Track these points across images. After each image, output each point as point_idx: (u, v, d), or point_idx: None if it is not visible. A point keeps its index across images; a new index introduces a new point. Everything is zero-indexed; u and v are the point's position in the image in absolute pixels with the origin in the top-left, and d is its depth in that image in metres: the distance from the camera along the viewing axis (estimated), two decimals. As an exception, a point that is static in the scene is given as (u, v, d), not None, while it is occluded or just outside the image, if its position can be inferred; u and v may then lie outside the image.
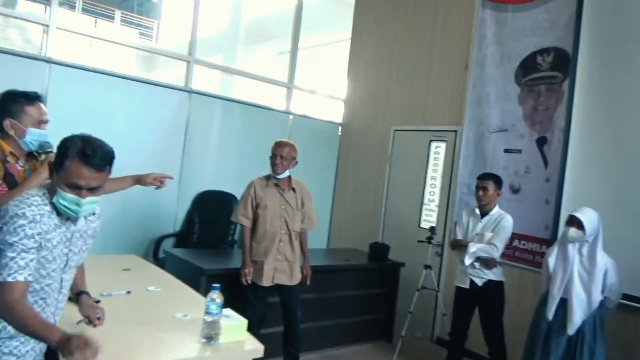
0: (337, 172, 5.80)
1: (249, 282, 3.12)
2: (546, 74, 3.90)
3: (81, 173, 1.44)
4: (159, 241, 4.35)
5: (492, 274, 3.33)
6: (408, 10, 5.15)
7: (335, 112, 5.99)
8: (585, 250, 2.81)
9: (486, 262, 3.29)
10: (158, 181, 2.44)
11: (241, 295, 3.03)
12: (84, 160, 1.43)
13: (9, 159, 2.00)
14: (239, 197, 4.22)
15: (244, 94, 6.97)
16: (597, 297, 2.75)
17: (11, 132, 2.00)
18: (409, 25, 5.12)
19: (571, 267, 2.80)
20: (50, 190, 1.51)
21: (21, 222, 1.40)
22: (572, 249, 2.82)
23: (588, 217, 2.79)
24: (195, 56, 4.81)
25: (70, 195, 1.46)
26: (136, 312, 2.16)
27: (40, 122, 2.06)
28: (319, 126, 5.62)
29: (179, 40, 10.96)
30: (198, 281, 3.17)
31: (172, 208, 4.51)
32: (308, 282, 3.32)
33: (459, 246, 3.45)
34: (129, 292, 2.40)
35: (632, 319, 3.26)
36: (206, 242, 4.44)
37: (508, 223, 3.34)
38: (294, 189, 3.28)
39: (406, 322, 4.02)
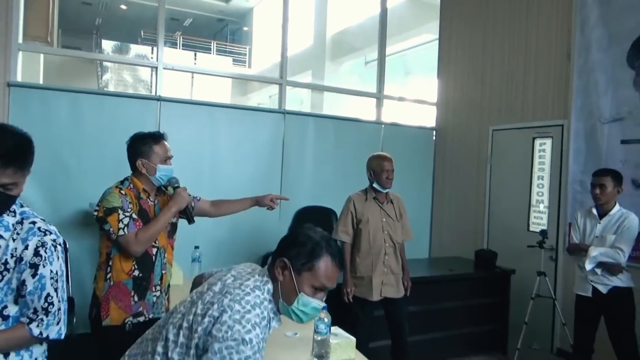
0: (434, 178, 5.65)
1: (351, 300, 3.14)
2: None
3: (332, 274, 1.27)
4: (265, 258, 4.55)
5: (619, 280, 3.02)
6: (498, 2, 4.91)
7: (427, 117, 5.85)
8: None
9: (610, 268, 3.00)
10: (274, 202, 2.56)
11: (344, 311, 3.06)
12: (334, 260, 1.26)
13: (142, 195, 2.21)
14: (337, 210, 4.30)
15: (334, 108, 7.12)
16: None
17: (143, 171, 2.19)
18: (501, 18, 4.87)
19: None
20: (274, 293, 1.32)
21: (244, 350, 1.12)
22: None
23: None
24: (287, 77, 4.99)
25: (316, 302, 1.26)
26: (250, 330, 2.27)
27: (166, 159, 2.24)
28: (412, 133, 5.52)
29: (269, 62, 11.52)
30: (304, 297, 3.25)
31: (275, 225, 4.68)
32: (408, 294, 3.28)
33: (578, 251, 3.18)
34: (242, 310, 2.54)
35: None
36: (309, 257, 4.55)
37: (633, 223, 3.02)
38: (392, 201, 3.27)
39: (522, 333, 3.78)
